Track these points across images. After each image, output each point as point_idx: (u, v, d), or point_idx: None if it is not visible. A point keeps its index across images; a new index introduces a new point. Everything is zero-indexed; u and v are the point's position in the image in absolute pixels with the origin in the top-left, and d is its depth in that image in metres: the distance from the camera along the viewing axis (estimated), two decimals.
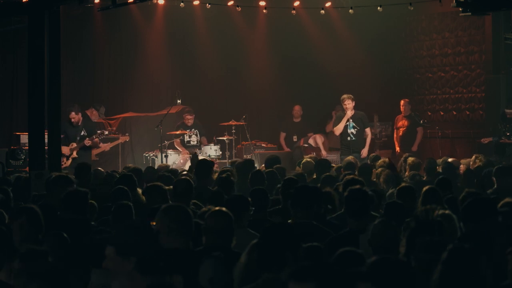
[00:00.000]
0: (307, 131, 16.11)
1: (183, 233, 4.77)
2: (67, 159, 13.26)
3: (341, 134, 13.89)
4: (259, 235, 4.31)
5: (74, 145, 13.25)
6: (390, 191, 8.47)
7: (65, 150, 13.37)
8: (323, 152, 15.43)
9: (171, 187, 7.29)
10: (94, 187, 8.59)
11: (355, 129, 13.83)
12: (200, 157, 13.40)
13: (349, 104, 13.84)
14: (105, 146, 14.39)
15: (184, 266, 4.51)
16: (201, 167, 9.01)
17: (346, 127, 13.84)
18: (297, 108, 16.13)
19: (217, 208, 5.18)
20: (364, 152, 13.71)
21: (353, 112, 13.80)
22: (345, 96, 13.91)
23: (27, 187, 8.89)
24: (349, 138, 13.90)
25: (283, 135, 16.21)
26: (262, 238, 4.20)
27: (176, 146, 14.99)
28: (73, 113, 13.36)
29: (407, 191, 7.16)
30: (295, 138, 15.99)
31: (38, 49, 10.11)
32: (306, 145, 15.73)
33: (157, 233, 4.89)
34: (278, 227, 4.28)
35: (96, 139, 13.60)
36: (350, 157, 11.72)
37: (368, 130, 14.08)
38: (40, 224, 5.44)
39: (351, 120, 13.81)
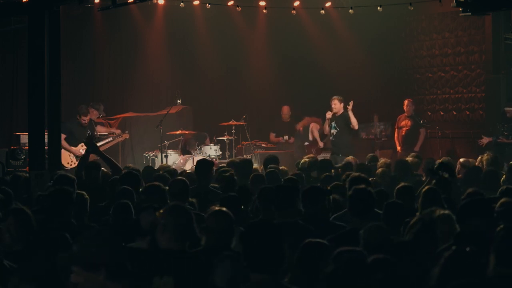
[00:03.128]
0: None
1: (180, 234, 4.75)
2: (76, 159, 13.41)
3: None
4: (241, 235, 4.24)
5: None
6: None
7: (76, 151, 13.53)
8: (320, 144, 15.43)
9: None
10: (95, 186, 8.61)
11: (336, 130, 13.93)
12: (200, 157, 13.44)
13: (334, 105, 14.00)
14: (103, 147, 14.41)
15: (177, 267, 4.50)
16: (202, 166, 9.00)
17: (330, 127, 14.01)
18: (285, 110, 16.14)
19: (217, 208, 5.16)
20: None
21: (336, 113, 13.92)
22: (334, 96, 14.05)
23: (27, 187, 8.89)
24: (331, 139, 14.03)
25: (272, 135, 16.25)
26: (245, 237, 4.13)
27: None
28: (83, 116, 13.75)
29: (406, 191, 7.15)
30: (286, 138, 15.96)
31: (38, 49, 10.11)
32: (307, 143, 15.68)
33: (154, 231, 4.90)
34: (261, 226, 4.22)
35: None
36: (349, 157, 11.72)
37: (353, 121, 13.93)
38: (29, 226, 5.42)
39: (334, 122, 13.92)
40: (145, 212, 5.39)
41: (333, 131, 13.96)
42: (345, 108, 13.99)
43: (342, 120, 13.91)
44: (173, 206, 4.96)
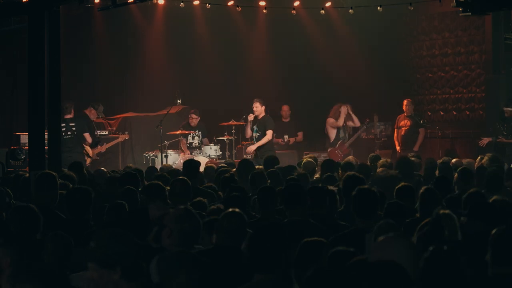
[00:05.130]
0: (297, 130, 16.07)
1: (186, 239, 4.73)
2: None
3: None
4: (250, 236, 4.29)
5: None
6: None
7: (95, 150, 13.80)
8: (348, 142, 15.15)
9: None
10: (98, 187, 8.60)
11: (257, 134, 13.96)
12: (200, 158, 13.43)
13: (256, 108, 14.02)
14: (103, 148, 14.42)
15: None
16: (189, 166, 8.99)
17: (252, 131, 14.05)
18: (285, 109, 16.13)
19: (230, 209, 5.17)
20: (250, 148, 13.79)
21: (257, 116, 13.95)
22: (255, 99, 14.12)
23: (27, 186, 8.89)
24: (254, 142, 14.05)
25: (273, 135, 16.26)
26: (253, 238, 4.18)
27: (181, 146, 14.99)
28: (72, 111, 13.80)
29: (407, 191, 7.15)
30: (286, 138, 15.93)
31: (38, 49, 10.10)
32: (330, 148, 15.29)
33: (159, 234, 4.89)
34: (268, 227, 4.25)
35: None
36: (350, 157, 11.72)
37: (268, 132, 13.93)
38: (36, 224, 5.40)
39: (256, 125, 13.96)
40: (154, 205, 5.37)
41: (255, 134, 14.02)
42: (266, 112, 13.97)
43: (262, 124, 13.97)
44: (181, 212, 4.90)
